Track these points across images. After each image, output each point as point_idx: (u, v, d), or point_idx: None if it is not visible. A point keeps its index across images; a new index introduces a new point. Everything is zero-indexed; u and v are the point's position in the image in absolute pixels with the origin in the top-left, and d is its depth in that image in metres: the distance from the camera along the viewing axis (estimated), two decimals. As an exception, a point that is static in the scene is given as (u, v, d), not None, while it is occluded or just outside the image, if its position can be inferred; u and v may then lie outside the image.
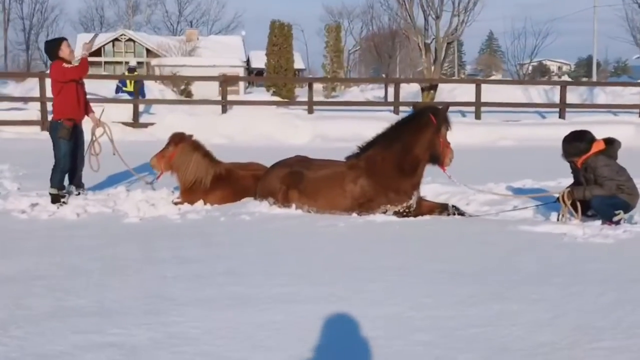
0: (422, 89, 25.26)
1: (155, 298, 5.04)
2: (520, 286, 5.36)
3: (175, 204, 9.05)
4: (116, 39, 74.11)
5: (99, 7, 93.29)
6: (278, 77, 40.90)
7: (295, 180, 8.45)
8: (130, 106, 19.42)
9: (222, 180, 9.20)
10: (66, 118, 9.09)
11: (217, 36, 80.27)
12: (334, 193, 8.28)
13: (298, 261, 6.11)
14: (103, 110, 10.16)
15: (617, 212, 7.85)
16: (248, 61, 71.23)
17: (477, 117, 20.55)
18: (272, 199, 8.47)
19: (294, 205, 8.32)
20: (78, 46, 72.35)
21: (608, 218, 7.86)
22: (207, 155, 9.28)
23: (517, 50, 57.26)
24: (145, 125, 18.64)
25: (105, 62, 71.50)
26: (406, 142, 8.18)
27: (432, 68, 25.61)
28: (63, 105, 9.14)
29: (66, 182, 9.34)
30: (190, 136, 9.32)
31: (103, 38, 74.79)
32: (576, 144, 8.33)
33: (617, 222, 7.76)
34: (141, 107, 20.02)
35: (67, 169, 9.25)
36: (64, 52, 9.26)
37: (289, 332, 4.36)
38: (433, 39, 25.77)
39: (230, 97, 26.68)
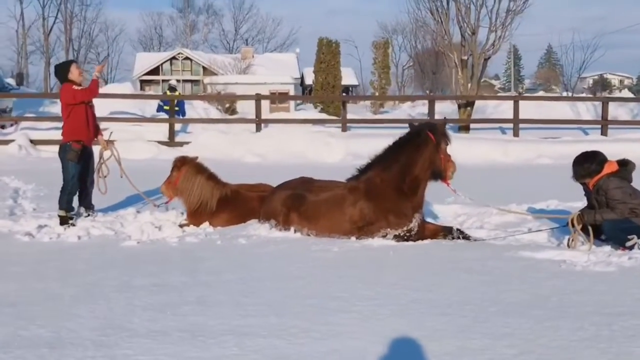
0: (459, 106, 24.84)
1: (113, 329, 4.93)
2: (494, 318, 5.09)
3: (181, 226, 9.00)
4: (174, 58, 75.41)
5: (157, 27, 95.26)
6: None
7: (296, 202, 8.32)
8: (167, 125, 19.56)
9: (229, 202, 9.11)
10: (75, 140, 9.13)
11: (272, 54, 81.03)
12: (333, 217, 8.10)
13: (274, 289, 5.95)
14: (111, 133, 10.18)
15: (630, 237, 7.46)
16: (302, 78, 71.62)
17: (515, 134, 20.07)
18: (274, 221, 8.34)
19: (292, 229, 8.18)
20: (137, 65, 74.44)
21: (620, 243, 7.48)
22: (211, 177, 9.21)
23: (574, 63, 56.20)
24: (181, 144, 18.74)
25: (163, 80, 72.74)
26: (405, 163, 7.98)
27: (469, 85, 25.15)
28: (72, 128, 9.19)
29: (76, 203, 9.39)
30: (194, 158, 9.27)
31: (161, 57, 76.33)
32: (586, 165, 7.99)
33: (631, 248, 7.36)
34: (178, 126, 20.17)
35: (75, 191, 9.29)
36: (73, 74, 9.31)
37: (232, 369, 4.20)
38: (470, 55, 25.32)
39: (280, 114, 26.64)
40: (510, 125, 20.60)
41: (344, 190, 8.26)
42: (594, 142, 18.46)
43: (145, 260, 7.20)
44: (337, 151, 17.78)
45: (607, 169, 7.88)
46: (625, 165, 7.97)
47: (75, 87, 9.21)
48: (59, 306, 5.53)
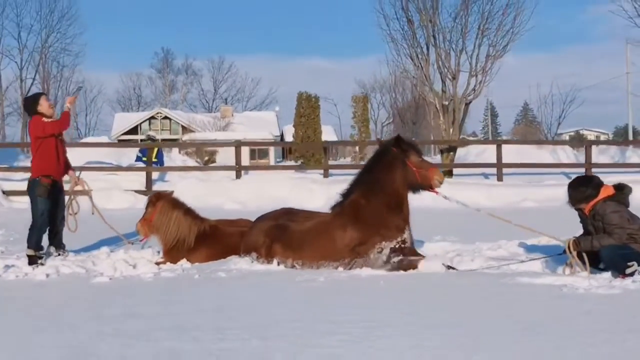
0: (442, 151, 24.70)
1: (78, 356, 4.44)
2: (498, 338, 4.66)
3: (158, 264, 8.51)
4: (152, 117, 75.34)
5: (136, 87, 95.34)
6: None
7: (279, 233, 7.95)
8: (143, 174, 19.13)
9: (207, 238, 8.67)
10: (44, 175, 8.68)
11: (252, 112, 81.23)
12: (321, 244, 7.73)
13: (255, 314, 5.49)
14: (80, 172, 9.70)
15: (630, 263, 7.08)
16: (282, 135, 71.66)
17: (499, 178, 19.84)
18: (255, 254, 7.91)
19: (275, 261, 7.75)
20: (115, 125, 74.27)
21: (619, 270, 7.08)
22: (188, 212, 8.79)
23: (552, 116, 56.50)
24: (158, 192, 18.27)
25: (142, 140, 72.53)
26: (382, 181, 7.84)
27: (451, 130, 25.05)
28: (41, 162, 8.74)
29: (46, 242, 8.90)
30: (170, 193, 8.87)
31: (140, 116, 76.24)
32: (582, 189, 7.67)
33: (631, 274, 6.97)
34: (155, 175, 19.74)
35: (45, 229, 8.81)
36: (42, 106, 8.89)
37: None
38: (451, 100, 25.30)
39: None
40: (494, 170, 20.38)
41: (329, 217, 7.99)
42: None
43: (116, 292, 6.71)
44: (320, 196, 17.32)
45: (604, 193, 7.56)
46: (621, 189, 7.66)
47: (44, 119, 8.80)
48: (21, 338, 5.03)
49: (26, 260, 8.55)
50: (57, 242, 8.98)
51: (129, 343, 4.69)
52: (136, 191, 18.22)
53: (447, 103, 25.07)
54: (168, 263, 8.46)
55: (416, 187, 7.85)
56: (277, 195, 17.49)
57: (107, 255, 8.90)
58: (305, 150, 40.40)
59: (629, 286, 6.41)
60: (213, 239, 8.66)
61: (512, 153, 23.09)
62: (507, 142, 26.10)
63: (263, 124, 69.38)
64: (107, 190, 17.28)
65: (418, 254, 7.86)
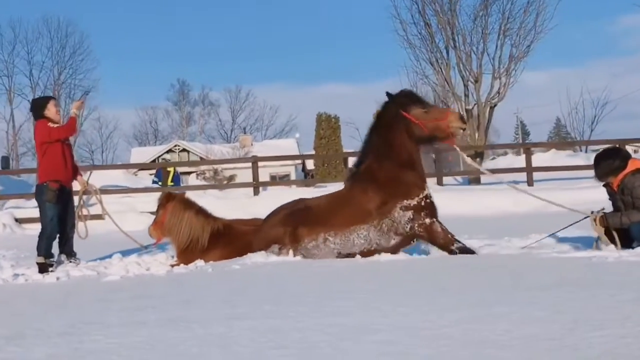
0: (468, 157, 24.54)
1: (84, 323, 4.47)
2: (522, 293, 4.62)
3: (172, 266, 8.53)
4: (170, 150, 75.82)
5: (152, 121, 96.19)
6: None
7: (299, 217, 7.95)
8: (158, 194, 19.21)
9: (222, 237, 8.67)
10: (52, 180, 8.77)
11: (271, 140, 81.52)
12: (347, 210, 7.78)
13: (267, 290, 5.49)
14: (91, 173, 9.84)
15: None
16: (303, 163, 71.77)
17: (530, 183, 19.69)
18: (277, 245, 7.90)
19: (292, 253, 7.74)
20: (132, 160, 74.91)
21: None
22: (200, 211, 8.81)
23: (582, 124, 55.59)
24: (175, 213, 18.35)
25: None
26: (388, 141, 7.83)
27: (476, 135, 24.95)
28: (48, 167, 8.83)
29: (56, 250, 8.97)
30: (182, 194, 8.92)
31: (158, 150, 76.84)
32: (609, 161, 7.59)
33: None
34: (172, 196, 19.85)
35: (55, 236, 8.89)
36: (50, 111, 9.01)
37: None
38: (475, 104, 25.24)
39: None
40: (524, 176, 20.23)
41: (347, 187, 8.13)
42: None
43: (126, 284, 6.75)
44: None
45: (632, 166, 7.46)
46: None
47: (50, 124, 8.91)
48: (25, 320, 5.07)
49: (36, 268, 8.61)
50: (67, 250, 9.04)
51: (134, 314, 4.70)
52: (151, 213, 18.32)
53: (470, 107, 25.05)
54: (182, 265, 8.48)
55: (428, 140, 7.84)
56: (297, 209, 17.52)
57: (119, 259, 8.94)
58: (327, 172, 40.46)
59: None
60: (227, 238, 8.66)
61: (544, 161, 22.94)
62: (536, 144, 25.96)
63: (283, 152, 69.24)
64: (122, 213, 17.41)
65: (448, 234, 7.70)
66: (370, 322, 4.06)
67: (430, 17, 25.86)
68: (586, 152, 31.61)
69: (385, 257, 7.40)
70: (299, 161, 69.78)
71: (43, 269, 8.55)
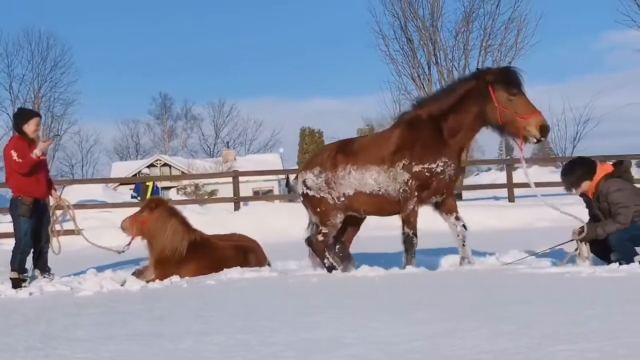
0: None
1: (51, 338, 4.47)
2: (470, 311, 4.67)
3: (148, 282, 8.51)
4: (152, 164, 75.62)
5: (134, 135, 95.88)
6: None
7: (343, 146, 8.23)
8: (136, 210, 19.17)
9: (199, 249, 8.71)
10: (26, 194, 8.74)
11: (255, 155, 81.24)
12: (371, 150, 7.94)
13: (239, 305, 5.52)
14: (64, 187, 9.81)
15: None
16: (287, 178, 71.67)
17: (511, 199, 19.82)
18: (319, 167, 8.12)
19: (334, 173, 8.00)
20: (113, 174, 74.66)
21: (630, 257, 7.02)
22: (184, 222, 8.88)
23: (564, 141, 55.77)
24: (154, 228, 18.31)
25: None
26: (456, 104, 7.61)
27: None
28: (21, 181, 8.76)
29: (30, 265, 8.93)
30: (168, 201, 8.97)
31: (139, 164, 76.61)
32: (573, 169, 7.63)
33: None
34: (150, 211, 19.80)
35: (29, 250, 8.84)
36: (29, 127, 8.94)
37: None
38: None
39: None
40: (505, 192, 20.37)
41: (394, 125, 8.32)
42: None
43: (98, 299, 6.74)
44: (322, 225, 17.39)
45: (602, 171, 7.42)
46: (619, 164, 7.54)
47: (15, 156, 8.67)
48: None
49: (9, 284, 8.56)
50: (41, 265, 8.99)
51: (104, 328, 4.72)
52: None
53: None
54: (157, 281, 8.45)
55: (498, 129, 7.57)
56: (277, 225, 17.52)
57: (94, 275, 8.90)
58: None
59: (637, 269, 6.42)
60: (204, 250, 8.70)
61: (525, 179, 23.06)
62: (517, 160, 25.98)
63: (267, 167, 69.24)
64: (100, 229, 17.35)
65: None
66: (341, 337, 4.10)
67: (412, 33, 26.22)
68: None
69: (361, 271, 7.45)
70: (283, 176, 69.71)
71: (16, 284, 8.51)
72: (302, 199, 8.49)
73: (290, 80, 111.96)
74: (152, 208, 8.79)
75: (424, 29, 25.56)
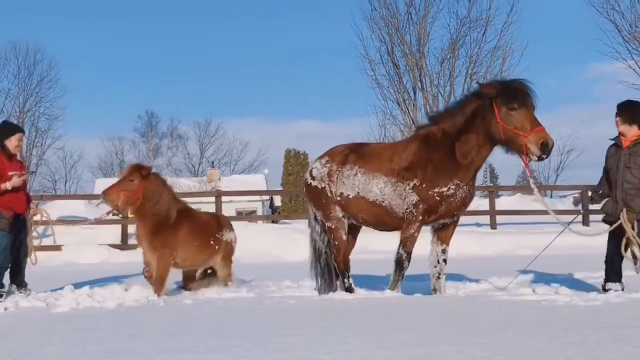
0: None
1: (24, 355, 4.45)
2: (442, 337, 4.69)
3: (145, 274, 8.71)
4: (135, 182, 75.24)
5: (119, 152, 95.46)
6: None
7: (357, 147, 8.26)
8: (119, 227, 19.10)
9: (185, 215, 8.91)
10: (5, 208, 8.68)
11: (240, 175, 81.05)
12: (381, 159, 7.83)
13: (215, 325, 5.50)
14: (40, 200, 9.77)
15: None
16: (271, 199, 71.59)
17: (493, 226, 19.90)
18: (330, 159, 8.14)
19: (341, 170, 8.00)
20: (96, 191, 74.13)
21: None
22: (171, 188, 9.19)
23: (548, 170, 56.25)
24: (135, 246, 18.19)
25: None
26: (463, 123, 7.42)
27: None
28: (1, 195, 8.73)
29: (7, 280, 8.86)
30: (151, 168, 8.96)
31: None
32: (637, 109, 7.29)
33: None
34: (132, 228, 19.69)
35: (7, 265, 8.75)
36: (11, 142, 8.86)
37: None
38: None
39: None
40: (487, 219, 20.43)
41: (409, 138, 8.53)
42: (579, 233, 18.22)
43: (74, 316, 6.70)
44: (305, 246, 17.34)
45: None
46: None
47: None
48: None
49: (-15, 299, 8.49)
50: (19, 281, 8.93)
51: (76, 345, 4.69)
52: (111, 245, 18.20)
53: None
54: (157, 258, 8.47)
55: (502, 145, 7.29)
56: (260, 247, 17.51)
57: (70, 291, 8.83)
58: (294, 209, 40.49)
59: (612, 299, 6.47)
60: (189, 217, 8.97)
61: (510, 206, 23.18)
62: (500, 188, 26.25)
63: (251, 187, 69.08)
64: (81, 245, 17.26)
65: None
66: (314, 359, 4.10)
67: (398, 58, 26.41)
68: (551, 197, 31.99)
69: (340, 295, 7.45)
70: (267, 197, 69.69)
71: (-7, 299, 8.44)
72: (305, 190, 8.46)
73: (277, 102, 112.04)
74: (145, 175, 8.64)
75: (411, 55, 25.77)
